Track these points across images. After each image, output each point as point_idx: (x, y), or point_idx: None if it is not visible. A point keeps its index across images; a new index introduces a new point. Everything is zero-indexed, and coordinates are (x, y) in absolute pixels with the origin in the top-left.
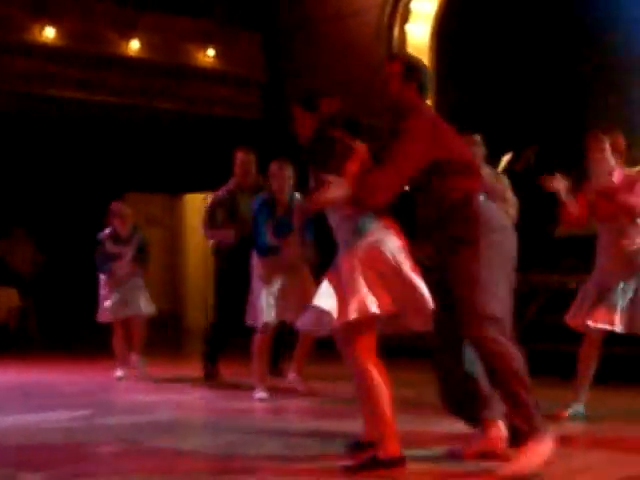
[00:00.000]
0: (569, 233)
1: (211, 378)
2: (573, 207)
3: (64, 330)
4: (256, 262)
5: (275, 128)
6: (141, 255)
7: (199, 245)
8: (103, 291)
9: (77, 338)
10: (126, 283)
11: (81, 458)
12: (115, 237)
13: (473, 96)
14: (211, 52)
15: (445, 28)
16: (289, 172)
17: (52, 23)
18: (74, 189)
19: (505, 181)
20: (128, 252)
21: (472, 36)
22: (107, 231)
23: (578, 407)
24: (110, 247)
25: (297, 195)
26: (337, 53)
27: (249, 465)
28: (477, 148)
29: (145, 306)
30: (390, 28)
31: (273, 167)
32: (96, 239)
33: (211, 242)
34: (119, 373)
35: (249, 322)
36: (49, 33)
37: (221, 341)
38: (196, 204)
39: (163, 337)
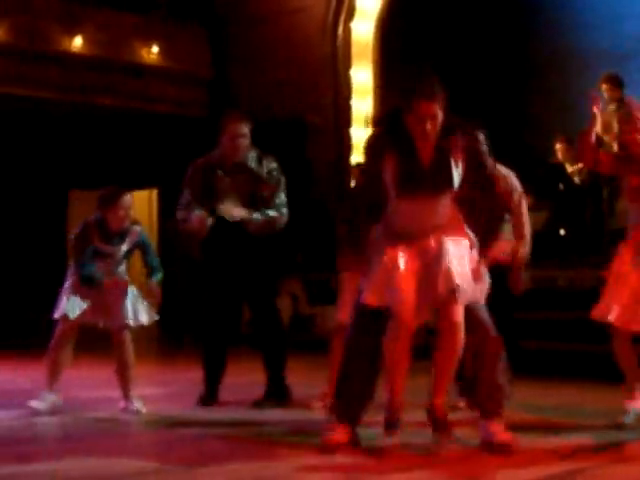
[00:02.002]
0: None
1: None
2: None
3: (4, 328)
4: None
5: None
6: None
7: None
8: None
9: (19, 336)
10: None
11: (22, 457)
12: (104, 231)
13: None
14: (155, 49)
15: (389, 25)
16: None
17: None
18: (16, 186)
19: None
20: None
21: (416, 33)
22: (94, 219)
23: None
24: (98, 243)
25: None
26: (282, 49)
27: (189, 461)
28: None
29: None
30: (335, 25)
31: None
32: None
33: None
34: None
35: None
36: None
37: (217, 356)
38: (141, 201)
39: (105, 334)
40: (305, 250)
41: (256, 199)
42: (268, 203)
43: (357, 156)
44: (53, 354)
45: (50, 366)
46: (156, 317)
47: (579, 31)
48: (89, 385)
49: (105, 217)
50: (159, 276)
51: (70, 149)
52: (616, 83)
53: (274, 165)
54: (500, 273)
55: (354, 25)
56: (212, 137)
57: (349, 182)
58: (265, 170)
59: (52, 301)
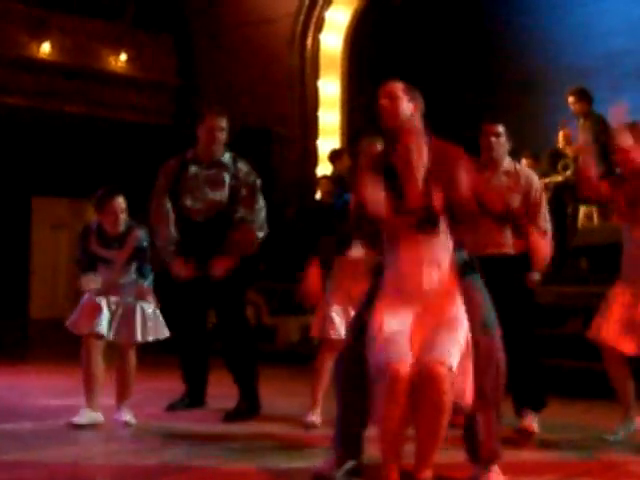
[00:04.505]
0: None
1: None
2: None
3: None
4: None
5: (186, 133)
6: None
7: None
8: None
9: None
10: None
11: None
12: (102, 236)
13: None
14: (123, 56)
15: (358, 38)
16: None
17: None
18: None
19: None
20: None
21: (385, 46)
22: (93, 225)
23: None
24: (96, 248)
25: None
26: (250, 60)
27: (151, 471)
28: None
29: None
30: (304, 36)
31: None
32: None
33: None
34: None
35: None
36: None
37: (194, 360)
38: None
39: (73, 342)
40: (267, 259)
41: (235, 198)
42: (246, 205)
43: (323, 168)
44: (85, 371)
45: (85, 383)
46: (166, 334)
47: (546, 49)
48: (54, 393)
49: (100, 221)
50: (149, 280)
51: (33, 155)
52: (582, 96)
53: (248, 167)
54: (520, 288)
55: (323, 37)
56: (178, 145)
57: (314, 193)
58: (241, 171)
59: (16, 307)
